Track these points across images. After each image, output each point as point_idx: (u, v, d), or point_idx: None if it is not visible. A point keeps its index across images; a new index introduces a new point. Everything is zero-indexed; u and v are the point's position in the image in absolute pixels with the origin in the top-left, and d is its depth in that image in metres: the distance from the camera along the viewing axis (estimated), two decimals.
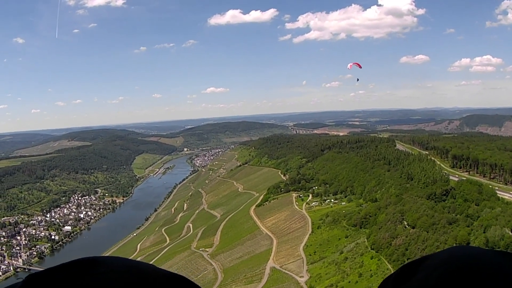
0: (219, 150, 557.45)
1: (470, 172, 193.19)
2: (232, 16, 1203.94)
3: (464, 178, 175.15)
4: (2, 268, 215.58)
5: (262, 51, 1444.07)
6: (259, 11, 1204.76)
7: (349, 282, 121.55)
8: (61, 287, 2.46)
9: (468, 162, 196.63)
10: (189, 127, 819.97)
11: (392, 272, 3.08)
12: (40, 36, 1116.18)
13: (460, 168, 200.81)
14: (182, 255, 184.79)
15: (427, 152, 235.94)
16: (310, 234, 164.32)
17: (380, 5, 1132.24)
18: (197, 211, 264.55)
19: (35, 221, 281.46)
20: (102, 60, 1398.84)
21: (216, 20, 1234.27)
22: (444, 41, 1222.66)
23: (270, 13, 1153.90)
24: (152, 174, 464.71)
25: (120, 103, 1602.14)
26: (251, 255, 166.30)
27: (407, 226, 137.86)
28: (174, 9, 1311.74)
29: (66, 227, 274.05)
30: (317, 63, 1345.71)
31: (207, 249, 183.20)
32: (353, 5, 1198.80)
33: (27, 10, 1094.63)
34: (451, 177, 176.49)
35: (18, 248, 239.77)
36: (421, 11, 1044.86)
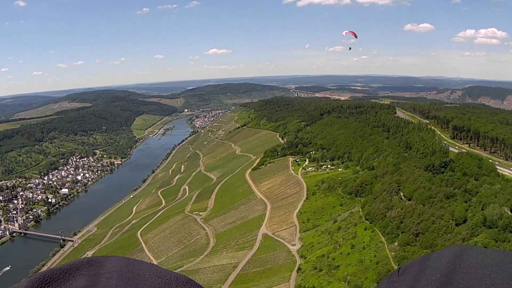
0: (220, 111, 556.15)
1: (471, 144, 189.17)
2: None
3: (464, 151, 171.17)
4: None
5: (265, 13, 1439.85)
6: None
7: (341, 253, 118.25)
8: None
9: (468, 134, 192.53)
10: (190, 88, 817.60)
11: (393, 270, 3.04)
12: None
13: (461, 139, 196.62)
14: (176, 218, 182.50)
15: (427, 121, 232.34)
16: (304, 201, 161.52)
17: None
18: (193, 173, 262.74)
19: (32, 184, 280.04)
20: (104, 21, 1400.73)
21: None
22: (449, 10, 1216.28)
23: None
24: (151, 135, 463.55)
25: (122, 64, 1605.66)
26: (244, 220, 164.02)
27: (403, 198, 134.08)
28: None
29: (63, 190, 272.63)
30: (320, 27, 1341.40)
31: (200, 213, 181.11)
32: None
33: None
34: (450, 148, 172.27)
35: (15, 212, 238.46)
36: None
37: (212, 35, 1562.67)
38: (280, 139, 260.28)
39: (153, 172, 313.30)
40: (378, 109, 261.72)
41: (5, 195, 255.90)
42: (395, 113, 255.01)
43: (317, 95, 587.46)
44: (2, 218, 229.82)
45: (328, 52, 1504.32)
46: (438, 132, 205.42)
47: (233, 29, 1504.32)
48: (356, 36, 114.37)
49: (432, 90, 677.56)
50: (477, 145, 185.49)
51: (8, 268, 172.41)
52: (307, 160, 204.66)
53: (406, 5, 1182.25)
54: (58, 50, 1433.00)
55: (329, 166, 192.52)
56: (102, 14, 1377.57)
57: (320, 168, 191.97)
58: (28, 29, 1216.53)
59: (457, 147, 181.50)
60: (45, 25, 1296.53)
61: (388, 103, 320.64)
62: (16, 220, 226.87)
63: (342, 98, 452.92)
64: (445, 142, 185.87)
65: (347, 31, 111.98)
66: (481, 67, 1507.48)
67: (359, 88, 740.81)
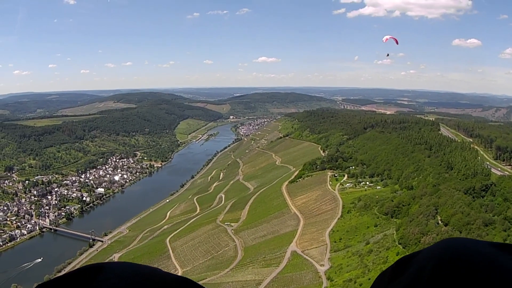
0: (265, 120, 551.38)
1: None
2: None
3: (507, 173, 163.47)
4: (28, 227, 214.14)
5: (315, 23, 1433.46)
6: None
7: (369, 279, 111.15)
8: None
9: None
10: (237, 95, 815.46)
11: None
12: None
13: (504, 160, 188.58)
14: (207, 227, 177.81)
15: (471, 140, 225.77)
16: (339, 218, 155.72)
17: None
18: (231, 182, 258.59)
19: (68, 181, 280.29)
20: (154, 24, 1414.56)
21: None
22: (497, 26, 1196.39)
23: None
24: (194, 140, 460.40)
25: (170, 67, 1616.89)
26: (275, 234, 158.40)
27: (440, 222, 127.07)
28: None
29: (99, 189, 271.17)
30: (370, 40, 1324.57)
31: (232, 224, 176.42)
32: None
33: None
34: (493, 170, 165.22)
35: (48, 207, 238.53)
36: None
37: (262, 43, 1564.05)
38: (321, 151, 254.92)
39: (192, 177, 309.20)
40: (422, 125, 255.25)
41: (40, 190, 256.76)
42: (439, 130, 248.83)
43: (363, 108, 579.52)
44: (34, 213, 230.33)
45: (377, 65, 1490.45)
46: (481, 152, 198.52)
47: (283, 37, 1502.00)
48: (397, 42, 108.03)
49: (478, 107, 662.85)
50: None
51: (40, 260, 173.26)
52: (346, 175, 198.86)
53: (454, 19, 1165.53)
54: (106, 50, 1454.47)
55: (367, 183, 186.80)
56: (152, 16, 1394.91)
57: (359, 184, 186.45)
58: (77, 27, 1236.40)
59: (499, 169, 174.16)
60: (95, 24, 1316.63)
61: (433, 119, 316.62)
62: (48, 216, 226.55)
63: (388, 113, 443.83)
64: (488, 162, 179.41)
65: (387, 37, 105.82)
66: None
67: (406, 102, 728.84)
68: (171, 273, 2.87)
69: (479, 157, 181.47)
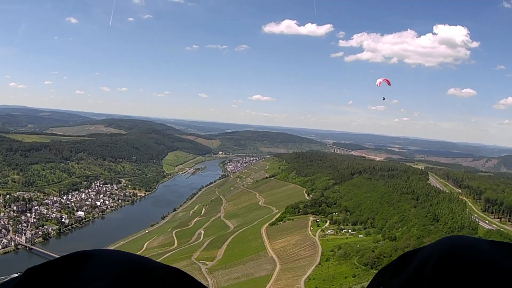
0: (254, 158, 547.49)
1: (502, 219, 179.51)
2: (287, 26, 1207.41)
3: (494, 227, 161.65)
4: (3, 242, 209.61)
5: (312, 65, 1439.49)
6: (315, 24, 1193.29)
7: None
8: (56, 280, 2.48)
9: (501, 208, 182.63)
10: (229, 131, 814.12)
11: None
12: (94, 19, 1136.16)
13: (492, 213, 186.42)
14: (181, 263, 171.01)
15: (459, 191, 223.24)
16: (316, 266, 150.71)
17: (435, 34, 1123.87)
18: (212, 218, 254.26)
19: (49, 201, 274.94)
20: (153, 52, 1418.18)
21: (271, 28, 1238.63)
22: (493, 77, 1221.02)
23: (326, 28, 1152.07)
24: (181, 173, 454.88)
25: (165, 97, 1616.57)
26: (249, 277, 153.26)
27: None
28: (231, 11, 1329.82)
29: (79, 212, 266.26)
30: (365, 85, 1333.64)
31: (207, 262, 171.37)
32: (408, 30, 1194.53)
33: None
34: (480, 223, 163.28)
35: (25, 225, 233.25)
36: (475, 44, 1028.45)
37: (258, 81, 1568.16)
38: (306, 195, 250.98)
39: (174, 210, 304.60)
40: (411, 174, 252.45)
41: (20, 206, 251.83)
42: (428, 179, 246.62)
43: (353, 153, 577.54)
44: (11, 228, 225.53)
45: (370, 111, 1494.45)
46: (470, 204, 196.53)
47: (279, 77, 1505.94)
48: (389, 83, 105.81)
49: (468, 156, 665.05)
50: (509, 221, 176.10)
51: (17, 274, 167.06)
52: (328, 221, 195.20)
53: (451, 68, 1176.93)
54: (103, 73, 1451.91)
55: (349, 230, 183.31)
56: (152, 44, 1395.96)
57: (340, 231, 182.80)
58: (76, 47, 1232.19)
59: (487, 222, 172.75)
60: (94, 47, 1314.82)
61: (423, 168, 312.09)
62: (25, 233, 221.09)
63: (377, 159, 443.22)
64: (475, 215, 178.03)
65: (380, 80, 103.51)
66: None
67: (396, 149, 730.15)
68: (163, 263, 2.84)
69: (467, 209, 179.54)
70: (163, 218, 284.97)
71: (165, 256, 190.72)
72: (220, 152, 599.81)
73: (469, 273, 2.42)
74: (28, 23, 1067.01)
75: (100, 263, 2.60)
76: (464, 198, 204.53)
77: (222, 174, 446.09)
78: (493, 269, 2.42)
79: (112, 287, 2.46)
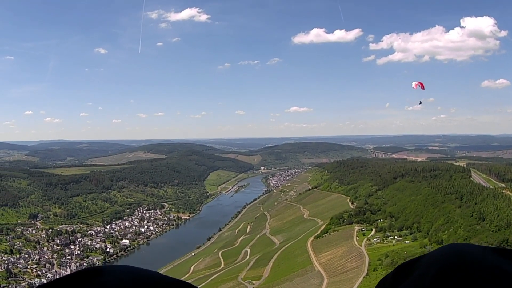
0: (296, 170, 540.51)
1: None
2: (316, 35, 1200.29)
3: None
4: (48, 277, 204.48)
5: (345, 71, 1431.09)
6: (343, 30, 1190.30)
7: None
8: None
9: None
10: (269, 145, 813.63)
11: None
12: (123, 48, 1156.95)
13: None
14: (227, 285, 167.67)
15: (503, 185, 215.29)
16: (364, 277, 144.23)
17: (463, 27, 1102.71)
18: (258, 236, 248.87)
19: (93, 232, 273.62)
20: (185, 74, 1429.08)
21: (300, 38, 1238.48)
22: None
23: (355, 33, 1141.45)
24: (224, 192, 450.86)
25: (202, 118, 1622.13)
26: None
27: None
28: (258, 26, 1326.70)
29: (123, 241, 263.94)
30: (400, 86, 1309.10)
31: (253, 282, 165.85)
32: (436, 26, 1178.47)
33: (110, 21, 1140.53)
34: None
35: (70, 257, 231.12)
36: (503, 33, 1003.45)
37: (293, 92, 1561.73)
38: (350, 203, 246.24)
39: (220, 230, 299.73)
40: (453, 172, 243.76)
41: (63, 239, 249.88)
42: (470, 176, 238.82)
43: (394, 156, 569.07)
44: (55, 262, 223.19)
45: (407, 112, 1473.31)
46: None
47: (314, 87, 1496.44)
48: (423, 87, 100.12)
49: (509, 148, 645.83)
50: None
51: None
52: (374, 229, 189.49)
53: (483, 60, 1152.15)
54: (138, 100, 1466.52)
55: (396, 237, 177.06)
56: (183, 67, 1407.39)
57: (386, 239, 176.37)
58: (108, 77, 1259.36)
59: None
60: (126, 74, 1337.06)
61: (464, 164, 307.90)
62: (69, 266, 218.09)
63: (419, 160, 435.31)
64: None
65: (416, 83, 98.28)
66: None
67: (437, 148, 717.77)
68: (170, 276, 2.90)
69: None
70: (209, 239, 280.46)
71: (212, 278, 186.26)
72: (262, 168, 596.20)
73: (471, 281, 2.37)
74: (57, 57, 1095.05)
75: (109, 279, 2.63)
76: (508, 192, 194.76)
77: (266, 189, 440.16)
78: (497, 277, 2.37)
79: None
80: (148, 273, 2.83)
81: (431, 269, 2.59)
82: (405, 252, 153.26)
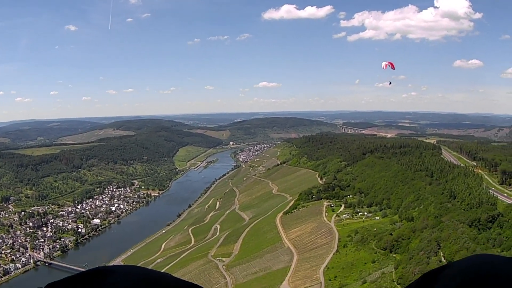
0: (265, 145, 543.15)
1: None
2: (287, 11, 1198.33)
3: None
4: (22, 261, 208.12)
5: (315, 47, 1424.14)
6: (314, 7, 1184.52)
7: None
8: None
9: None
10: (238, 120, 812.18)
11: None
12: (93, 24, 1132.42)
13: (510, 185, 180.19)
14: (198, 263, 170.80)
15: (474, 163, 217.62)
16: (334, 254, 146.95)
17: (436, 7, 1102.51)
18: (227, 212, 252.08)
19: (64, 212, 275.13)
20: (155, 50, 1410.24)
21: (271, 14, 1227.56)
22: (498, 46, 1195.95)
23: (326, 10, 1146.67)
24: (193, 168, 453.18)
25: (171, 93, 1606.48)
26: (267, 271, 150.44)
27: (443, 260, 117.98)
28: (228, 1, 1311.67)
29: (95, 220, 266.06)
30: (371, 63, 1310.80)
31: (224, 259, 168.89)
32: (409, 5, 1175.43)
33: None
34: (499, 197, 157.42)
35: (42, 240, 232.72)
36: (478, 15, 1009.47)
37: (263, 68, 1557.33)
38: (318, 179, 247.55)
39: (190, 206, 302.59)
40: (423, 149, 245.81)
41: (35, 222, 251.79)
42: (441, 154, 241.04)
43: (363, 131, 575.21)
44: (29, 246, 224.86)
45: (378, 88, 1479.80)
46: (486, 177, 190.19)
47: (284, 62, 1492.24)
48: (393, 67, 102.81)
49: (480, 127, 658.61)
50: None
51: None
52: (343, 205, 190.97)
53: (456, 41, 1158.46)
54: (108, 77, 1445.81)
55: (365, 213, 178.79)
56: (153, 43, 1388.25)
57: (356, 215, 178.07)
58: (78, 54, 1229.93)
59: (506, 195, 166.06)
60: (96, 51, 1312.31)
61: (435, 141, 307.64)
62: (42, 249, 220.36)
63: (389, 136, 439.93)
64: (493, 188, 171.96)
65: (386, 63, 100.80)
66: None
67: (407, 125, 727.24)
68: (182, 279, 2.82)
69: (484, 184, 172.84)
70: (179, 215, 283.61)
71: (182, 256, 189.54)
72: (231, 143, 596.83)
73: None
74: (28, 36, 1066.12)
75: (119, 279, 2.60)
76: (480, 171, 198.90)
77: (235, 164, 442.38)
78: None
79: None
80: (159, 274, 2.78)
81: (454, 281, 2.53)
82: (375, 229, 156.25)
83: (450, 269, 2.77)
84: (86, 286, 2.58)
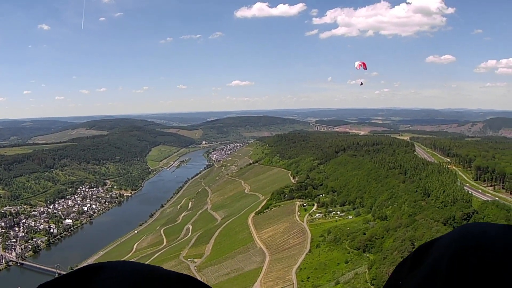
0: (238, 144, 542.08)
1: (495, 186, 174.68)
2: (259, 9, 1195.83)
3: (489, 196, 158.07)
4: None
5: (288, 45, 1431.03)
6: (287, 5, 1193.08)
7: None
8: None
9: (493, 175, 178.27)
10: (211, 119, 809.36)
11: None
12: (65, 24, 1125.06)
13: (484, 181, 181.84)
14: (169, 264, 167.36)
15: (448, 160, 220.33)
16: (307, 254, 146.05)
17: (408, 3, 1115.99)
18: (200, 211, 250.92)
19: (36, 212, 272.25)
20: (128, 49, 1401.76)
21: (243, 12, 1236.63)
22: (471, 41, 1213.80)
23: (298, 7, 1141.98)
24: (166, 167, 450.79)
25: (144, 93, 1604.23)
26: (239, 272, 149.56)
27: None
28: (201, 0, 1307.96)
29: (67, 220, 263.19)
30: (343, 60, 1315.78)
31: (195, 260, 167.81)
32: (381, 1, 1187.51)
33: None
34: (474, 194, 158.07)
35: (14, 240, 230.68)
36: (450, 10, 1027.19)
37: (236, 66, 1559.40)
38: (291, 178, 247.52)
39: (162, 206, 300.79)
40: (396, 146, 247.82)
41: (7, 222, 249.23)
42: (414, 151, 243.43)
43: (336, 129, 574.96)
44: (0, 246, 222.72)
45: (350, 85, 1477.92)
46: (460, 173, 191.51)
47: (256, 60, 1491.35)
48: (365, 68, 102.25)
49: (453, 122, 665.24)
50: (503, 188, 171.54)
51: None
52: (316, 204, 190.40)
53: (428, 36, 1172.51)
54: (81, 76, 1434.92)
55: (338, 212, 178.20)
56: (125, 42, 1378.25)
57: (329, 214, 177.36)
58: (51, 54, 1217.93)
59: (480, 191, 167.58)
60: (69, 51, 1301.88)
61: (408, 138, 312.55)
62: (14, 249, 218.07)
63: (362, 133, 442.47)
64: (468, 185, 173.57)
65: (359, 63, 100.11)
66: (502, 98, 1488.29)
67: (380, 121, 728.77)
68: (173, 271, 2.79)
69: (458, 180, 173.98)
70: (151, 216, 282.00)
71: (154, 257, 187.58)
72: (204, 142, 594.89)
73: (489, 264, 2.33)
74: (0, 35, 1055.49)
75: (111, 275, 2.59)
76: (454, 167, 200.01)
77: (207, 164, 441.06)
78: None
79: None
80: (150, 268, 2.71)
81: (447, 251, 2.54)
82: (348, 228, 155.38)
83: (442, 239, 2.73)
84: (79, 284, 2.56)
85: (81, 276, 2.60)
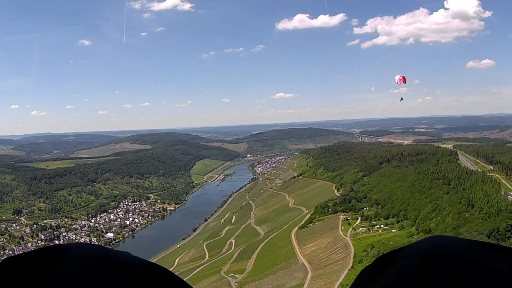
0: (282, 157, 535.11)
1: None
2: (300, 20, 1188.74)
3: None
4: None
5: (330, 56, 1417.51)
6: (327, 15, 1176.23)
7: None
8: (31, 271, 2.50)
9: None
10: (255, 132, 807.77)
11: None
12: (107, 39, 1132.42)
13: None
14: (210, 279, 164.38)
15: (491, 167, 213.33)
16: (349, 270, 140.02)
17: (446, 9, 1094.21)
18: (243, 226, 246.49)
19: (77, 226, 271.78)
20: (171, 63, 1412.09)
21: (284, 25, 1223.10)
22: (510, 44, 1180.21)
23: (339, 18, 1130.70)
24: (210, 181, 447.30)
25: (188, 107, 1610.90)
26: None
27: None
28: (242, 13, 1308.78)
29: (108, 234, 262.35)
30: (385, 69, 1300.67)
31: (236, 276, 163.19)
32: (420, 8, 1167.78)
33: (93, 13, 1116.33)
34: None
35: None
36: (487, 14, 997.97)
37: (279, 79, 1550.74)
38: (335, 190, 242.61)
39: (206, 220, 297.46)
40: (440, 155, 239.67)
41: (47, 235, 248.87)
42: (457, 159, 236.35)
43: (380, 139, 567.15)
44: None
45: (393, 94, 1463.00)
46: (503, 181, 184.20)
47: (299, 72, 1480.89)
48: (405, 81, 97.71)
49: (495, 128, 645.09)
50: None
51: None
52: (359, 218, 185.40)
53: (467, 42, 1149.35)
54: (124, 91, 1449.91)
55: (382, 225, 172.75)
56: (168, 57, 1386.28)
57: (372, 228, 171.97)
58: (93, 69, 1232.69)
59: None
60: (111, 66, 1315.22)
61: (451, 146, 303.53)
62: None
63: (405, 142, 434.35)
64: (511, 193, 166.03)
65: (400, 78, 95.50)
66: None
67: (423, 130, 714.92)
68: (142, 258, 2.75)
69: (502, 190, 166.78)
70: (195, 230, 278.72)
71: (195, 272, 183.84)
72: (248, 155, 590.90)
73: (453, 274, 2.35)
74: (42, 50, 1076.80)
75: (75, 257, 2.55)
76: (497, 175, 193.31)
77: (252, 177, 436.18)
78: (478, 269, 2.37)
79: (83, 280, 2.40)
80: (117, 253, 2.69)
81: (412, 262, 2.53)
82: (391, 242, 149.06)
83: (406, 250, 2.73)
84: (43, 261, 2.50)
85: (47, 255, 2.57)
